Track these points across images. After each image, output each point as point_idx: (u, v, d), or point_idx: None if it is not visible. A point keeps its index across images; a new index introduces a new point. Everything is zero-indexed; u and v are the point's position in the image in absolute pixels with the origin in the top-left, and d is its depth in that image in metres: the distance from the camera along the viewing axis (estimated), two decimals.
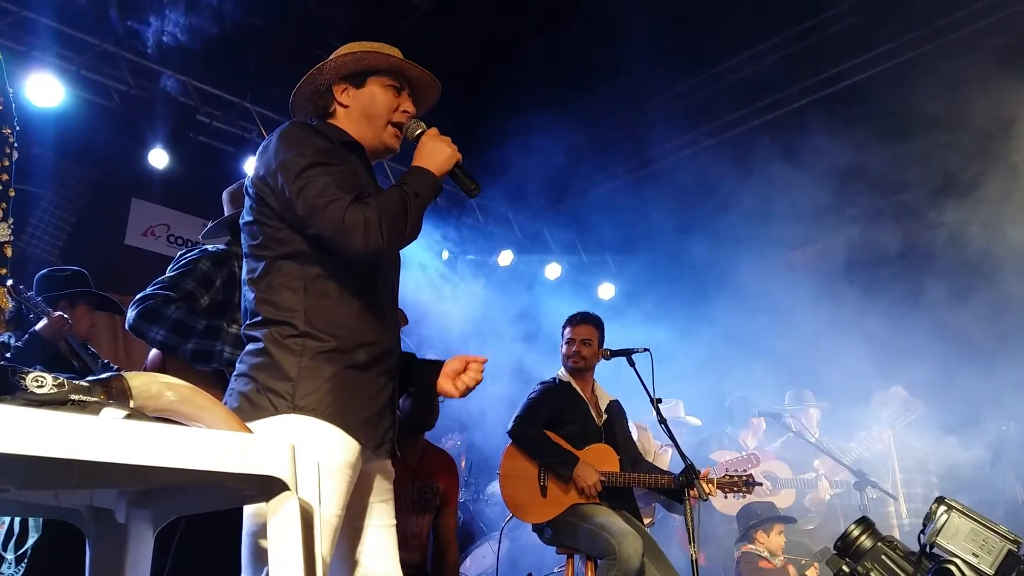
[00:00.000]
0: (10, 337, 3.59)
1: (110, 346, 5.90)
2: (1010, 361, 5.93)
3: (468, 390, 2.19)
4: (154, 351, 2.82)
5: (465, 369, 2.19)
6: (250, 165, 6.31)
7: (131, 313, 2.68)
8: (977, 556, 2.44)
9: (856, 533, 2.68)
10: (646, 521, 4.90)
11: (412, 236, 1.95)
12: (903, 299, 6.42)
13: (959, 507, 2.53)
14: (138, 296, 2.72)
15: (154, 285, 2.77)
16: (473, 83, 6.07)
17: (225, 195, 3.20)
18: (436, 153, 2.03)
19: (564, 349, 4.33)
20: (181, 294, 2.74)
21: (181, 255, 2.91)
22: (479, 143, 6.62)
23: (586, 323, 4.32)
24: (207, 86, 6.42)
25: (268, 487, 1.25)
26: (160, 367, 2.75)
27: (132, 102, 6.07)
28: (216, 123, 6.55)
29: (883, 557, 2.57)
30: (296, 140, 1.92)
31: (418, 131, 2.11)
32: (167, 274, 2.83)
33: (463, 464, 6.30)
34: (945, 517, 2.51)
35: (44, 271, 3.96)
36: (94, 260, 5.45)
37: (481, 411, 6.68)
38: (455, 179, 2.09)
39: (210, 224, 3.19)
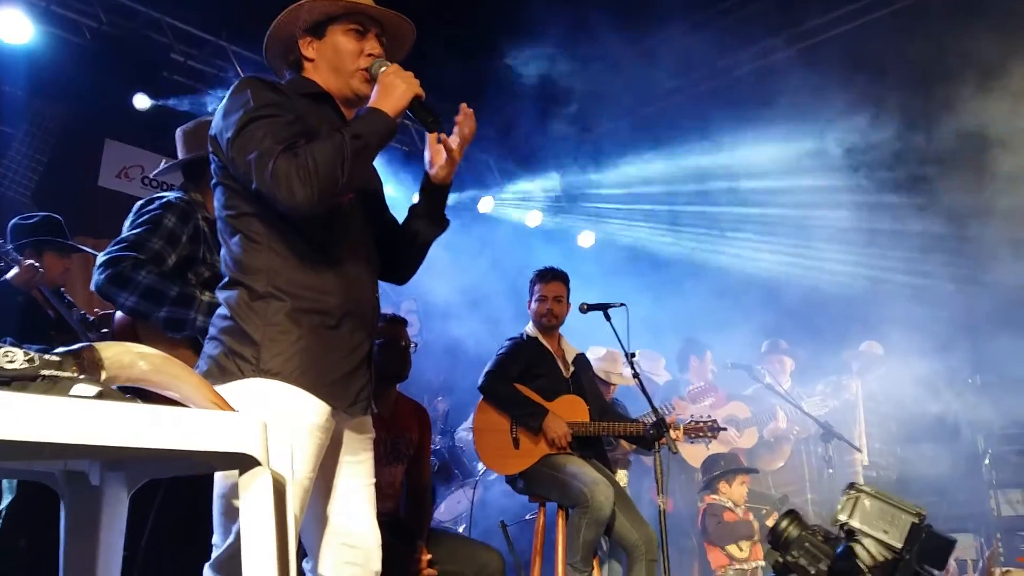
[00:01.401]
0: None
1: (84, 287, 5.84)
2: (983, 313, 6.06)
3: (464, 140, 2.15)
4: (120, 314, 2.77)
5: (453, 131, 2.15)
6: None
7: (98, 276, 2.61)
8: (887, 532, 2.66)
9: (783, 525, 2.84)
10: (621, 482, 5.02)
11: (352, 181, 1.84)
12: (890, 252, 6.47)
13: (867, 490, 2.80)
14: (104, 258, 2.63)
15: (118, 244, 2.68)
16: (459, 19, 5.95)
17: (179, 133, 3.05)
18: (390, 90, 1.92)
19: (535, 306, 4.32)
20: (149, 255, 2.67)
21: (142, 207, 2.81)
22: (462, 83, 6.53)
23: (557, 280, 4.32)
24: (181, 24, 6.26)
25: (241, 460, 1.28)
26: (130, 328, 2.72)
27: (104, 39, 5.91)
28: (191, 62, 6.42)
29: (807, 544, 2.75)
30: (240, 96, 1.88)
31: (381, 69, 2.00)
32: (130, 231, 2.73)
33: (441, 411, 6.38)
34: (854, 501, 2.73)
35: (15, 219, 3.91)
36: (67, 202, 5.38)
37: (458, 357, 6.74)
38: (414, 114, 1.99)
39: (163, 166, 3.10)
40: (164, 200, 2.82)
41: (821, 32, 6.42)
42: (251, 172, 1.79)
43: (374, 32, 2.08)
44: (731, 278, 7.51)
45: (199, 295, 2.69)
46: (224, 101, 1.91)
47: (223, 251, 1.98)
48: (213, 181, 1.98)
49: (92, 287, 2.66)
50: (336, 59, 2.04)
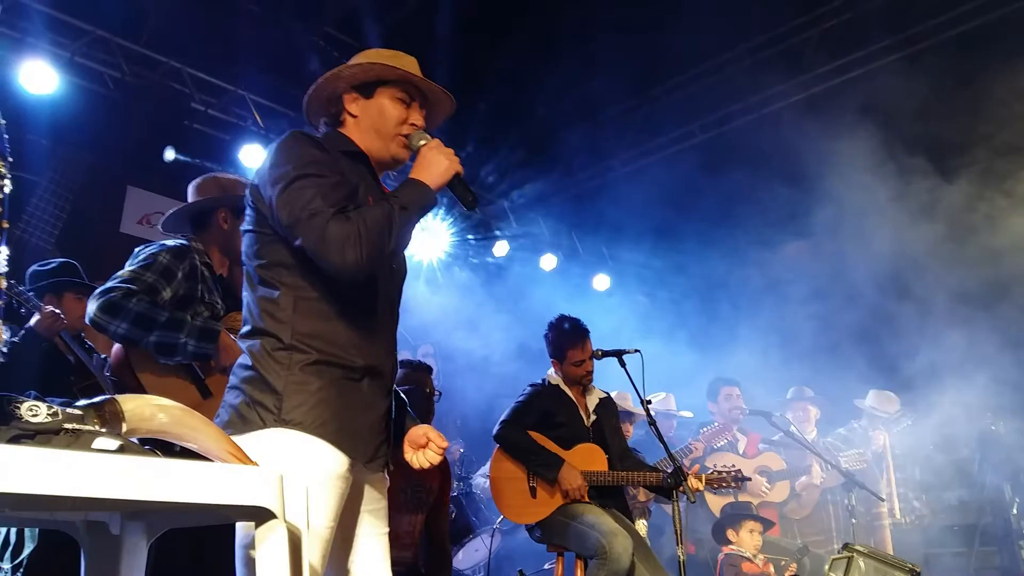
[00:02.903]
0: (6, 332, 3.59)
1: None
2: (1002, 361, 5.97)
3: (421, 465, 2.20)
4: (117, 345, 2.78)
5: (426, 444, 2.18)
6: (245, 153, 6.32)
7: (92, 306, 2.64)
8: None
9: None
10: (641, 530, 4.93)
11: (397, 249, 1.95)
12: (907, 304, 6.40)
13: (861, 549, 2.78)
14: (98, 289, 2.68)
15: (114, 279, 2.73)
16: (475, 64, 6.05)
17: (191, 187, 3.16)
18: (433, 165, 2.01)
19: (574, 370, 4.21)
20: (142, 287, 2.71)
21: (139, 250, 2.88)
22: (477, 125, 6.62)
23: (588, 337, 4.26)
24: (202, 73, 6.39)
25: (256, 512, 1.28)
26: (124, 359, 2.73)
27: (127, 89, 6.02)
28: (211, 111, 6.53)
29: None
30: (288, 151, 1.92)
31: (421, 142, 2.08)
32: (126, 268, 2.79)
33: (457, 456, 6.34)
34: (847, 562, 2.74)
35: (33, 266, 3.96)
36: (89, 248, 5.45)
37: (474, 404, 6.71)
38: (453, 191, 2.06)
39: (169, 213, 3.15)
40: (161, 243, 2.91)
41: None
42: (298, 228, 1.82)
43: (418, 103, 2.15)
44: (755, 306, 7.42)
45: (190, 320, 2.71)
46: (270, 152, 1.96)
47: (246, 299, 1.99)
48: (245, 227, 2.01)
49: (86, 319, 2.68)
50: (380, 121, 2.10)
